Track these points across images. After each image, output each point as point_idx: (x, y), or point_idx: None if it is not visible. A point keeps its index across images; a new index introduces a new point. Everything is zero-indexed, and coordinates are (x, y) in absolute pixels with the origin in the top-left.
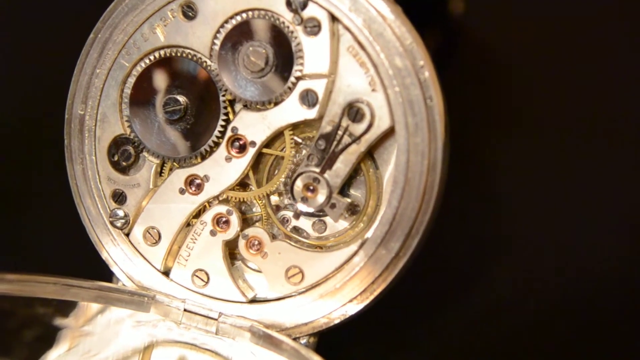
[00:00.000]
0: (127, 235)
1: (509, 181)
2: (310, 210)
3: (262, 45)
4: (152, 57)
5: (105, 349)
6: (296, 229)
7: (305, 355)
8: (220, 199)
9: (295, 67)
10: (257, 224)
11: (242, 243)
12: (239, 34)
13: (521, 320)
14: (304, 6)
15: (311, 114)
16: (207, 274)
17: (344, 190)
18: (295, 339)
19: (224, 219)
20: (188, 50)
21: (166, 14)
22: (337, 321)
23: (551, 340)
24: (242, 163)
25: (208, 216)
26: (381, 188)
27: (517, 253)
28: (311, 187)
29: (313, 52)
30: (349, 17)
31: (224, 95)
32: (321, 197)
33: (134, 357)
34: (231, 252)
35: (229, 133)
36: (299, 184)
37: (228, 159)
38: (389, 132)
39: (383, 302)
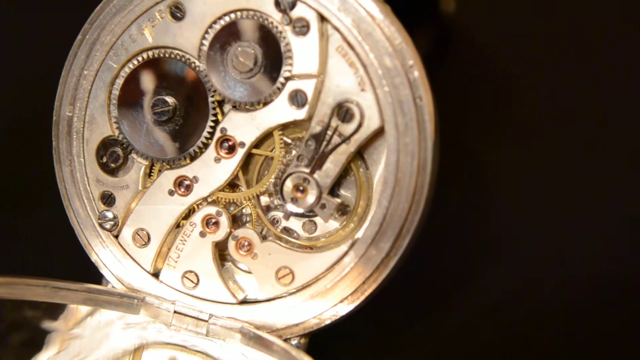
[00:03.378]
0: (116, 237)
1: (502, 180)
2: (300, 210)
3: (250, 46)
4: (140, 58)
5: (94, 351)
6: (286, 230)
7: (296, 357)
8: (210, 200)
9: (284, 68)
10: (247, 224)
11: (231, 244)
12: (227, 35)
13: (515, 321)
14: (292, 6)
15: (300, 114)
16: (197, 275)
17: (334, 191)
18: (286, 340)
19: (213, 220)
20: (176, 51)
21: (154, 15)
22: (328, 322)
23: (547, 342)
24: (231, 164)
25: (197, 217)
26: (371, 188)
27: (511, 253)
28: (301, 188)
29: (302, 52)
30: (338, 17)
31: (212, 96)
32: (311, 198)
33: None
34: (221, 253)
35: (218, 134)
36: (288, 184)
37: (217, 160)
38: (379, 132)
39: (374, 302)
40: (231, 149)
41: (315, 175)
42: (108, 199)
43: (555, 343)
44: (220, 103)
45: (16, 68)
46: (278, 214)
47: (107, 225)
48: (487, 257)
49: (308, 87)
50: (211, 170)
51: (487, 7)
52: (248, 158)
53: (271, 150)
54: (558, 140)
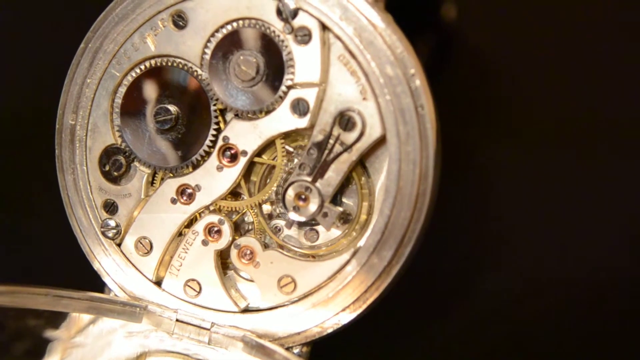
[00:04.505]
0: (119, 245)
1: (503, 187)
2: (302, 219)
3: (252, 54)
4: (142, 67)
5: (96, 359)
6: (288, 238)
7: None
8: (212, 208)
9: (286, 76)
10: (249, 233)
11: (234, 252)
12: (229, 43)
13: (518, 324)
14: (294, 15)
15: (302, 122)
16: (199, 283)
17: (336, 199)
18: (288, 349)
19: (215, 229)
20: (179, 60)
21: (157, 24)
22: (330, 330)
23: (549, 344)
24: (233, 172)
25: (200, 226)
26: (373, 197)
27: (512, 259)
28: (303, 196)
29: (304, 61)
30: (340, 26)
31: (215, 105)
32: (313, 206)
33: None
34: (223, 261)
35: (220, 142)
36: (290, 193)
37: (219, 169)
38: (381, 141)
39: (376, 310)
40: (233, 158)
41: (317, 184)
42: (110, 207)
43: (558, 345)
44: (223, 111)
45: (19, 76)
46: (280, 223)
47: (110, 234)
48: (489, 260)
49: (310, 95)
50: (213, 179)
51: (488, 15)
52: (250, 166)
53: (273, 159)
54: (559, 145)
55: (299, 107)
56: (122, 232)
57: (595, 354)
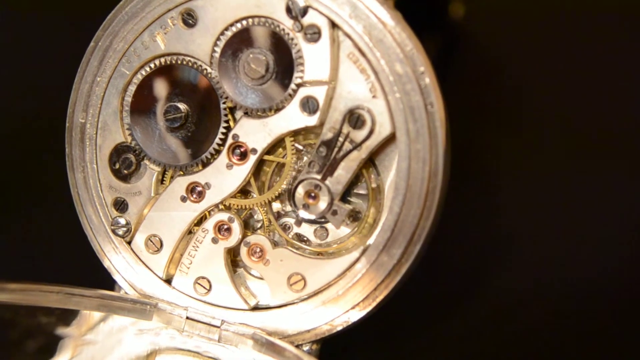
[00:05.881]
0: (129, 243)
1: (511, 186)
2: (312, 217)
3: (262, 53)
4: (152, 65)
5: (107, 357)
6: (298, 236)
7: None
8: (222, 206)
9: (296, 74)
10: (258, 231)
11: (243, 250)
12: (239, 42)
13: (525, 326)
14: (304, 13)
15: (312, 120)
16: (209, 281)
17: (345, 197)
18: (297, 346)
19: (225, 227)
20: (188, 58)
21: (166, 22)
22: (339, 328)
23: (555, 347)
24: (243, 170)
25: (210, 224)
26: (383, 194)
27: (520, 258)
28: (312, 194)
29: (313, 59)
30: (349, 24)
31: (224, 103)
32: (323, 204)
33: None
34: (233, 259)
35: (229, 140)
36: (300, 190)
37: (229, 167)
38: (390, 139)
39: (386, 308)
40: (243, 156)
41: (327, 182)
42: (121, 205)
43: (565, 344)
44: (232, 110)
45: (30, 75)
46: (290, 220)
47: (120, 232)
48: (497, 260)
49: (319, 93)
50: (223, 177)
51: (495, 13)
52: (260, 164)
53: (283, 157)
54: (566, 144)
55: (309, 105)
56: (132, 230)
57: (600, 353)
